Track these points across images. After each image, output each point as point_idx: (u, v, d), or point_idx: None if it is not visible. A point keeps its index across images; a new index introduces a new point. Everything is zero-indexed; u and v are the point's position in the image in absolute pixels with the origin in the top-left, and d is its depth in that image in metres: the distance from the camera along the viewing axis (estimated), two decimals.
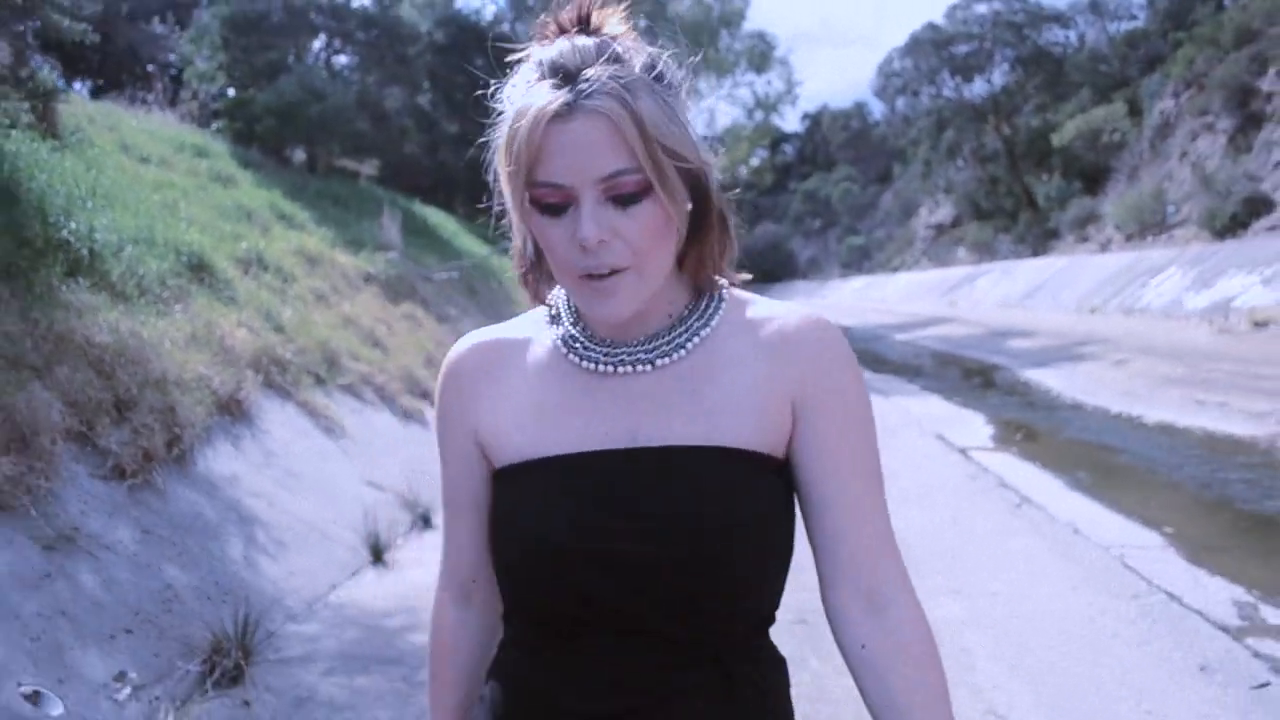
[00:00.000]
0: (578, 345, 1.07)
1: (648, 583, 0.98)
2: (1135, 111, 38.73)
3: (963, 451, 8.48)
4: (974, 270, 39.70)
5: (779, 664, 1.10)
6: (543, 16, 1.02)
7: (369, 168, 18.92)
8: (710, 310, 1.08)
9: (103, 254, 5.90)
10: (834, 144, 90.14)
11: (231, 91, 15.20)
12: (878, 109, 68.13)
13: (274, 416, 5.80)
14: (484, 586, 1.16)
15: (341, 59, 17.18)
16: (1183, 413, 10.06)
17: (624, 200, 0.95)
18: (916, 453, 8.39)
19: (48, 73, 7.76)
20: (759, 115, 31.28)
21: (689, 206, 1.02)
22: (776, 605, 1.09)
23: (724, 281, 1.10)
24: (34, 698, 2.81)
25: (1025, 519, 6.07)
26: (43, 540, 3.48)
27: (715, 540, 0.98)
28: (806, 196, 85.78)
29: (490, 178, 1.05)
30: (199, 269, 6.77)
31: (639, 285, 1.00)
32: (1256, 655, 3.87)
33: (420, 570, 5.02)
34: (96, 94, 14.30)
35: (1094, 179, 39.17)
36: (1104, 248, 31.22)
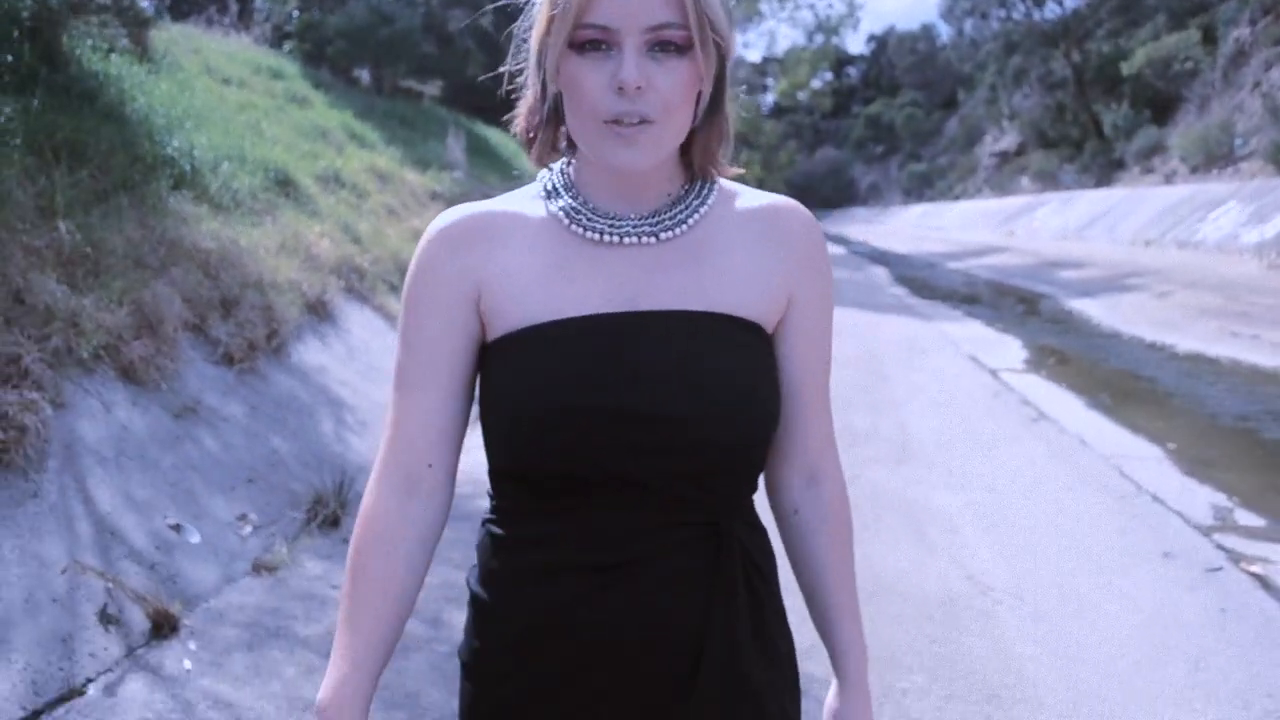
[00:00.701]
0: (581, 216, 1.10)
1: (650, 436, 1.02)
2: (1210, 39, 37.53)
3: (993, 372, 8.91)
4: (1034, 200, 39.26)
5: (762, 530, 1.16)
6: None
7: (432, 88, 19.40)
8: (706, 193, 1.13)
9: (201, 170, 6.54)
10: (899, 67, 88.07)
11: (295, 14, 15.72)
12: (945, 32, 66.64)
13: (354, 318, 6.46)
14: (438, 473, 1.13)
15: None
16: (1214, 343, 10.37)
17: (665, 51, 1.00)
18: (947, 371, 8.86)
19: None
20: (819, 38, 31.01)
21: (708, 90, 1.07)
22: (759, 473, 1.16)
23: (715, 173, 1.16)
24: (176, 529, 3.50)
25: (1037, 431, 6.55)
26: (172, 409, 4.17)
27: (714, 396, 1.04)
28: (869, 121, 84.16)
29: (521, 29, 1.10)
30: (284, 184, 7.41)
31: (659, 141, 1.03)
32: (1219, 547, 4.37)
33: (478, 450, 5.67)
34: (175, 17, 14.90)
35: (1164, 108, 38.16)
36: (1168, 180, 30.74)
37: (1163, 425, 6.88)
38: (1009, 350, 10.49)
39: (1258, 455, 6.26)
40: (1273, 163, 24.10)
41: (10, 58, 5.89)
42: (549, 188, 1.13)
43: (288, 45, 15.10)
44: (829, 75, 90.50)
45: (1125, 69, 38.95)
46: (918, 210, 58.34)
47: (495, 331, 1.09)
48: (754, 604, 1.10)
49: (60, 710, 2.55)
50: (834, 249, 32.92)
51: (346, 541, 4.06)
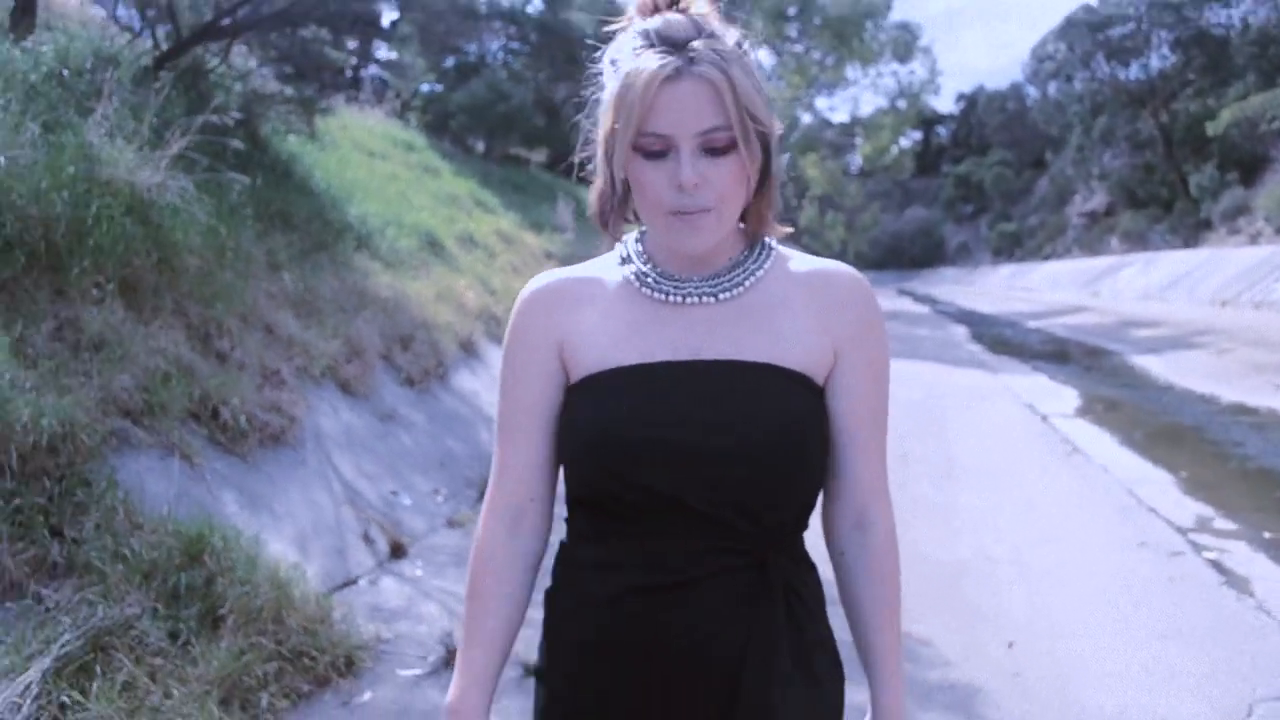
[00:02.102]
0: (649, 280, 1.24)
1: (700, 469, 1.14)
2: None
3: (1043, 417, 9.95)
4: (1119, 261, 39.57)
5: (810, 566, 1.26)
6: None
7: (538, 155, 21.17)
8: (763, 257, 1.26)
9: (372, 233, 8.09)
10: (989, 126, 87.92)
11: (424, 87, 17.60)
12: (1034, 92, 66.89)
13: (493, 355, 7.90)
14: (538, 507, 1.28)
15: (515, 59, 19.46)
16: (1257, 395, 11.23)
17: (715, 152, 1.14)
18: (1001, 414, 9.94)
19: (313, 89, 10.03)
20: (902, 103, 32.30)
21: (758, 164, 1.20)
22: (810, 512, 1.25)
23: (772, 240, 1.29)
24: (394, 494, 4.89)
25: (1068, 461, 7.64)
26: (378, 414, 5.61)
27: (763, 435, 1.16)
28: (958, 180, 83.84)
29: (586, 126, 1.26)
30: (433, 244, 8.95)
31: (718, 224, 1.18)
32: (1190, 542, 5.45)
33: None
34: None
35: (1251, 168, 38.22)
36: (1253, 240, 31.03)
37: (1182, 459, 7.89)
38: (1064, 399, 11.49)
39: (1254, 481, 7.25)
40: None
41: (235, 143, 7.53)
42: (624, 256, 1.28)
43: (411, 118, 16.98)
44: (917, 135, 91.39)
45: (1210, 129, 39.15)
46: (1006, 270, 58.42)
47: (575, 375, 1.23)
48: (795, 633, 1.19)
49: (344, 591, 3.92)
50: (918, 309, 33.86)
51: None
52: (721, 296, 1.22)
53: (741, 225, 1.27)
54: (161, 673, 2.74)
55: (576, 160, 1.29)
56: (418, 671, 3.29)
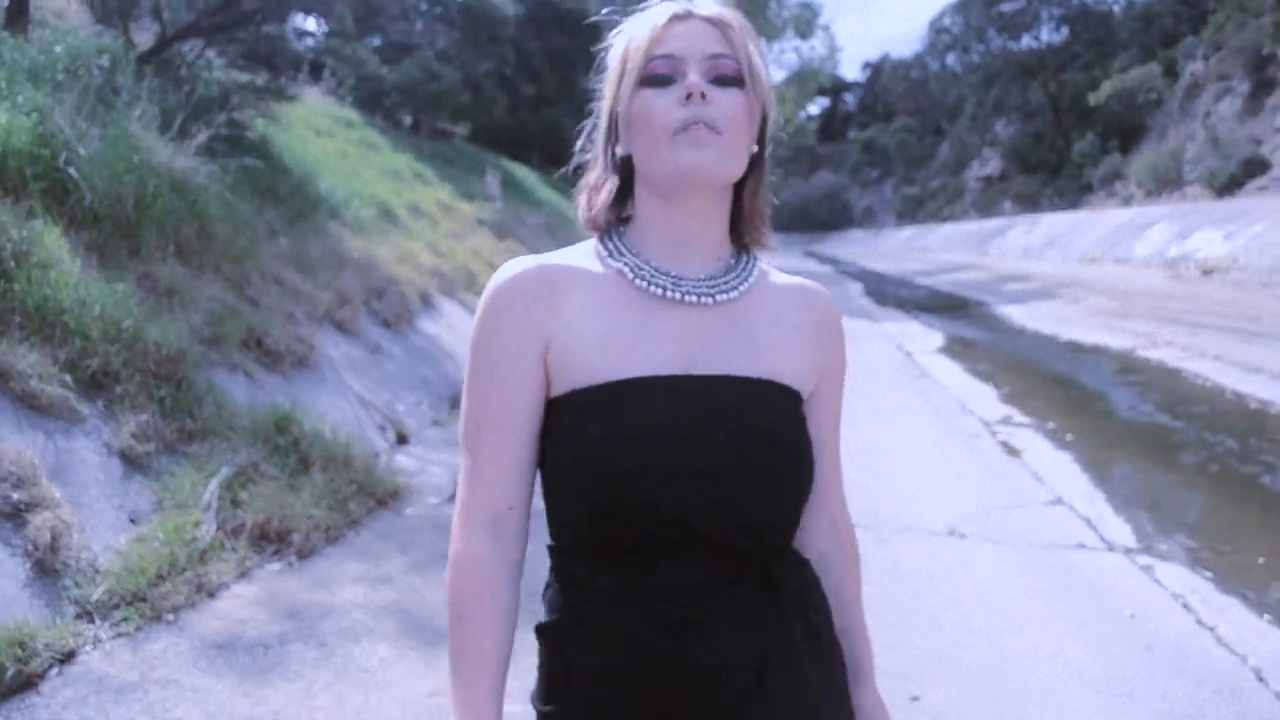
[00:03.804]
0: (645, 271, 1.18)
1: (708, 493, 1.10)
2: (1172, 73, 40.34)
3: (908, 354, 11.82)
4: (1007, 223, 42.14)
5: (807, 565, 1.27)
6: None
7: (461, 129, 22.45)
8: (751, 266, 1.25)
9: (338, 204, 9.51)
10: (893, 94, 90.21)
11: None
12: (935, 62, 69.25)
13: (445, 305, 9.42)
14: (518, 512, 1.19)
15: (440, 39, 20.69)
16: (1090, 333, 13.30)
17: (721, 81, 1.14)
18: (873, 353, 11.78)
19: (282, 79, 11.33)
20: (802, 79, 34.19)
21: (754, 147, 1.20)
22: (800, 521, 1.26)
23: (755, 252, 1.29)
24: (391, 403, 6.43)
25: (918, 384, 9.48)
26: (367, 347, 7.12)
27: (766, 457, 1.14)
28: (864, 146, 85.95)
29: (586, 126, 1.26)
30: (388, 214, 10.38)
31: (724, 152, 1.14)
32: (990, 430, 7.28)
33: None
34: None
35: (1129, 136, 40.97)
36: (1126, 203, 33.74)
37: (1007, 380, 9.80)
38: (929, 340, 13.42)
39: (1057, 391, 9.18)
40: (1209, 187, 27.12)
41: (224, 130, 8.86)
42: (610, 248, 1.20)
43: (346, 96, 18.14)
44: (825, 102, 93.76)
45: (1092, 100, 41.86)
46: (908, 233, 60.89)
47: (562, 386, 1.15)
48: (814, 640, 1.21)
49: (376, 460, 5.47)
50: (822, 269, 35.88)
51: None
52: (719, 298, 1.18)
53: (732, 236, 1.25)
54: (280, 488, 4.29)
55: (573, 165, 1.27)
56: (437, 500, 4.88)
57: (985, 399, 8.65)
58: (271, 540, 3.96)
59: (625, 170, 1.21)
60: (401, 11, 17.41)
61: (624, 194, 1.22)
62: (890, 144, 79.28)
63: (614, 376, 1.12)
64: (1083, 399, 8.93)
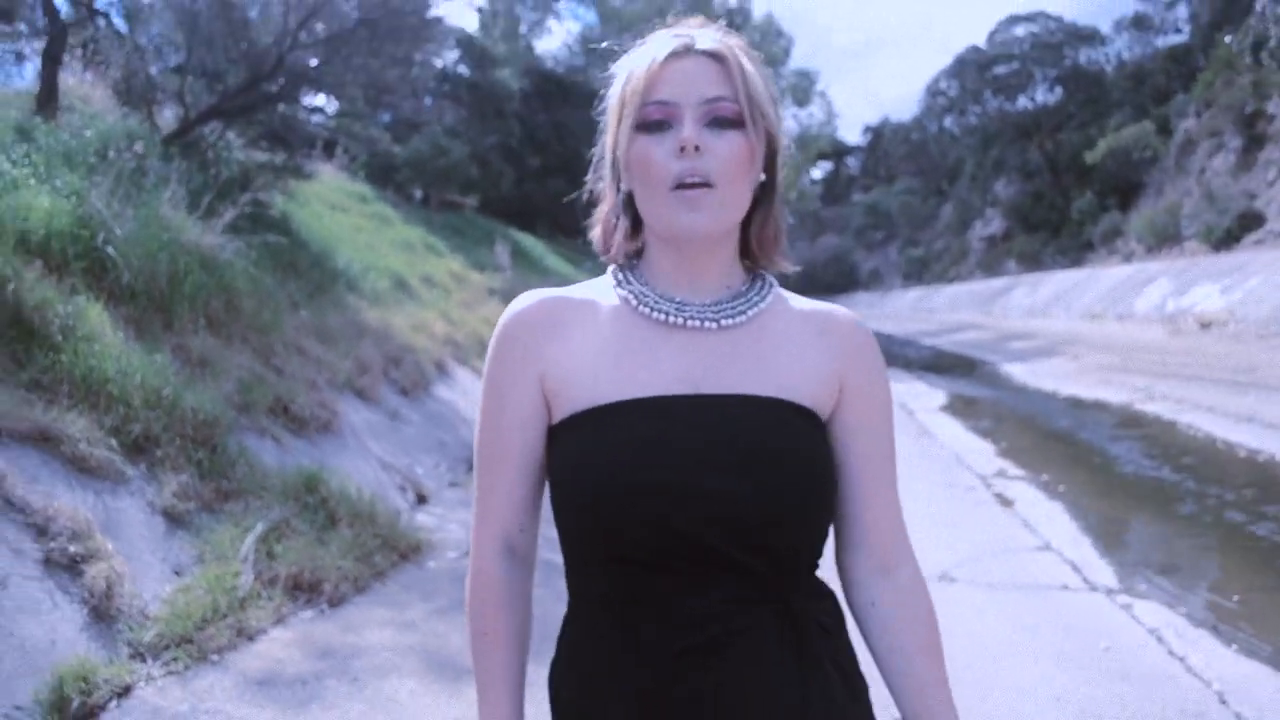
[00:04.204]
0: (648, 298, 1.17)
1: (712, 513, 1.07)
2: (1166, 130, 41.01)
3: (910, 412, 12.11)
4: (1011, 282, 42.58)
5: (830, 596, 1.20)
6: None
7: (471, 200, 23.06)
8: (764, 291, 1.22)
9: (355, 276, 9.92)
10: (894, 157, 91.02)
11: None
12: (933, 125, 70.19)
13: (459, 374, 9.77)
14: (528, 536, 1.23)
15: (448, 115, 21.41)
16: (1089, 388, 13.58)
17: (719, 124, 1.12)
18: None
19: (298, 157, 11.84)
20: (802, 144, 34.95)
21: (762, 176, 1.19)
22: (823, 547, 1.19)
23: (772, 278, 1.26)
24: (410, 466, 6.74)
25: (918, 440, 9.75)
26: (387, 413, 7.45)
27: (771, 475, 1.09)
28: (868, 209, 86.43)
29: (594, 156, 1.25)
30: (402, 285, 10.79)
31: (720, 207, 1.13)
32: (985, 483, 7.55)
33: None
34: None
35: (1127, 194, 41.52)
36: (1127, 259, 34.18)
37: (1006, 435, 10.08)
38: (932, 398, 13.71)
39: (1054, 447, 9.44)
40: (1206, 242, 27.53)
41: (247, 209, 9.31)
42: (618, 277, 1.21)
43: (358, 171, 18.75)
44: (829, 166, 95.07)
45: (1089, 158, 42.53)
46: (914, 294, 61.29)
47: (562, 411, 1.16)
48: (839, 669, 1.15)
49: (396, 519, 5.77)
50: None
51: None
52: (724, 323, 1.17)
53: (746, 262, 1.24)
54: (311, 542, 4.59)
55: (586, 191, 1.27)
56: (456, 554, 5.17)
57: (982, 454, 8.92)
58: (304, 590, 4.25)
59: (631, 204, 1.20)
60: (410, 90, 18.08)
61: (635, 226, 1.22)
62: (893, 206, 79.86)
63: (609, 399, 1.12)
64: (1077, 452, 9.19)
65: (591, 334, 1.18)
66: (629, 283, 1.20)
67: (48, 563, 3.75)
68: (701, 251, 1.17)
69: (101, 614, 3.65)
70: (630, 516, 1.08)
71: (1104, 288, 29.06)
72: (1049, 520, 6.28)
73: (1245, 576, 5.10)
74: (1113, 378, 14.24)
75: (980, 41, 51.80)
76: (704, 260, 1.18)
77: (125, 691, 3.29)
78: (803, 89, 33.82)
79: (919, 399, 13.48)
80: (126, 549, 4.05)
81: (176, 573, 4.18)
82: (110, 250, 5.97)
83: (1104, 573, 5.13)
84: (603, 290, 1.23)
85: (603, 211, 1.24)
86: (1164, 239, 32.49)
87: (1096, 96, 48.16)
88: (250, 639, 3.82)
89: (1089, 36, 49.41)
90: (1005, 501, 6.86)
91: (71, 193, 6.27)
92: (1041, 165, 49.90)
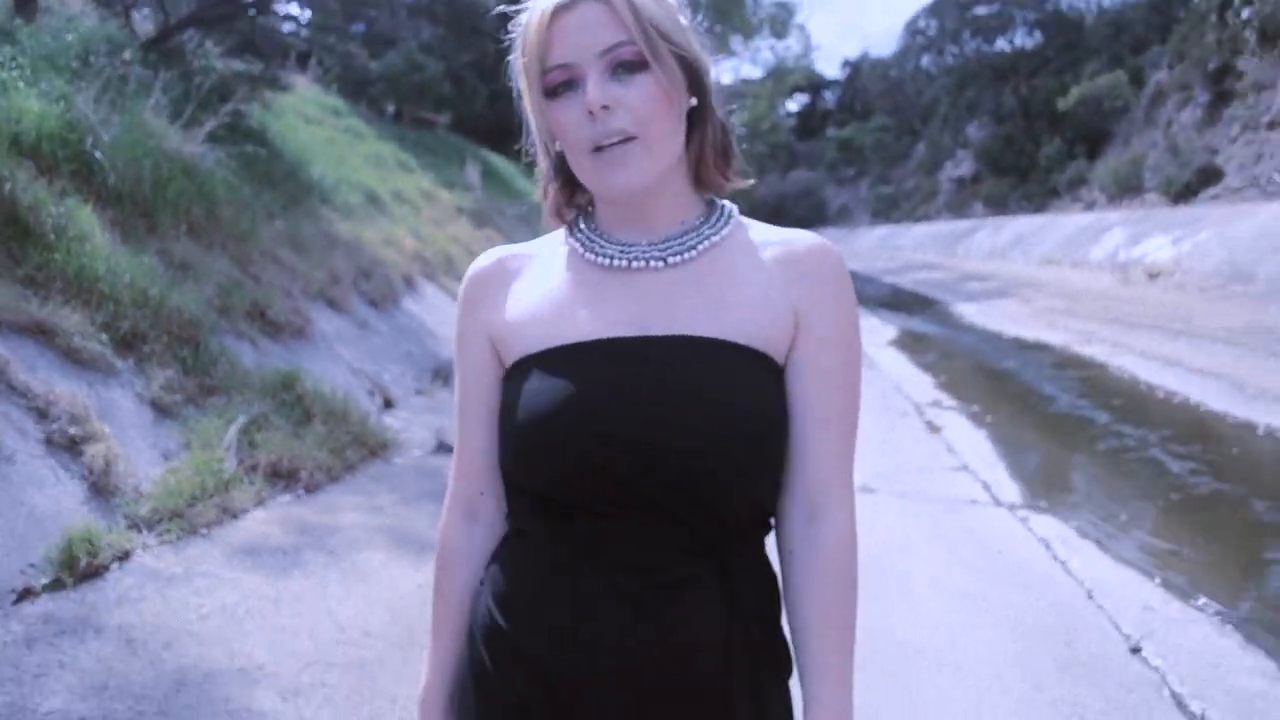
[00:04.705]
0: (595, 244, 1.16)
1: (650, 459, 1.03)
2: (1139, 81, 41.28)
3: None
4: (975, 224, 43.09)
5: (771, 577, 1.15)
6: None
7: (443, 117, 23.05)
8: (719, 223, 1.17)
9: (328, 189, 10.17)
10: (871, 93, 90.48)
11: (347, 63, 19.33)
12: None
13: (427, 289, 10.11)
14: (490, 500, 1.22)
15: (422, 29, 21.32)
16: (1033, 330, 14.15)
17: (624, 70, 1.06)
18: None
19: (274, 68, 11.95)
20: (777, 76, 34.99)
21: (692, 100, 1.13)
22: (772, 509, 1.14)
23: (732, 206, 1.20)
24: (378, 372, 7.13)
25: (864, 372, 10.25)
26: (356, 323, 7.81)
27: (710, 423, 1.04)
28: (841, 144, 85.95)
29: (520, 112, 1.18)
30: (373, 199, 11.04)
31: (647, 157, 1.08)
32: (918, 410, 8.06)
33: None
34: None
35: (1095, 142, 41.90)
36: (1090, 208, 34.76)
37: (945, 368, 10.61)
38: (883, 334, 14.24)
39: (991, 381, 9.99)
40: (1165, 195, 28.12)
41: (226, 119, 9.51)
42: (569, 228, 1.20)
43: (331, 84, 18.74)
44: (805, 99, 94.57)
45: (1061, 105, 42.80)
46: (881, 232, 61.65)
47: (508, 360, 1.16)
48: (769, 641, 1.13)
49: (366, 419, 6.17)
50: None
51: (448, 388, 7.68)
52: (670, 260, 1.13)
53: (703, 196, 1.19)
54: (288, 435, 4.99)
55: (524, 150, 1.22)
56: (421, 452, 5.61)
57: (921, 385, 9.45)
58: (283, 477, 4.67)
59: (565, 166, 1.16)
60: (385, 2, 18.05)
61: (574, 183, 1.18)
62: (867, 143, 79.47)
63: (548, 344, 1.11)
64: (1011, 387, 9.75)
65: (540, 284, 1.17)
66: (579, 230, 1.19)
67: (49, 443, 4.12)
68: (642, 199, 1.13)
69: (100, 489, 4.04)
70: (558, 459, 1.06)
71: (1062, 235, 29.64)
72: (971, 445, 6.81)
73: (1137, 500, 5.65)
74: (1058, 321, 14.81)
75: None
76: (649, 204, 1.14)
77: (125, 556, 3.70)
78: (781, 20, 33.80)
79: (871, 334, 13.97)
80: (119, 434, 4.43)
81: (165, 458, 4.58)
82: (98, 154, 6.23)
83: (1011, 491, 5.66)
84: (556, 243, 1.22)
85: (541, 170, 1.21)
86: (1126, 189, 33.03)
87: (1075, 43, 48.15)
88: (235, 517, 4.25)
89: None
90: (934, 428, 7.38)
91: (60, 97, 6.49)
92: (1015, 109, 50.04)
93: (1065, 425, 7.89)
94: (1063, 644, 3.54)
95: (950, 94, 53.67)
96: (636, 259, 1.13)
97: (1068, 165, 40.85)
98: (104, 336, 4.97)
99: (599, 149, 1.08)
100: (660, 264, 1.13)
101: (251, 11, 11.26)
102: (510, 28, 1.15)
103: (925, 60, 57.16)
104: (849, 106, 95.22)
